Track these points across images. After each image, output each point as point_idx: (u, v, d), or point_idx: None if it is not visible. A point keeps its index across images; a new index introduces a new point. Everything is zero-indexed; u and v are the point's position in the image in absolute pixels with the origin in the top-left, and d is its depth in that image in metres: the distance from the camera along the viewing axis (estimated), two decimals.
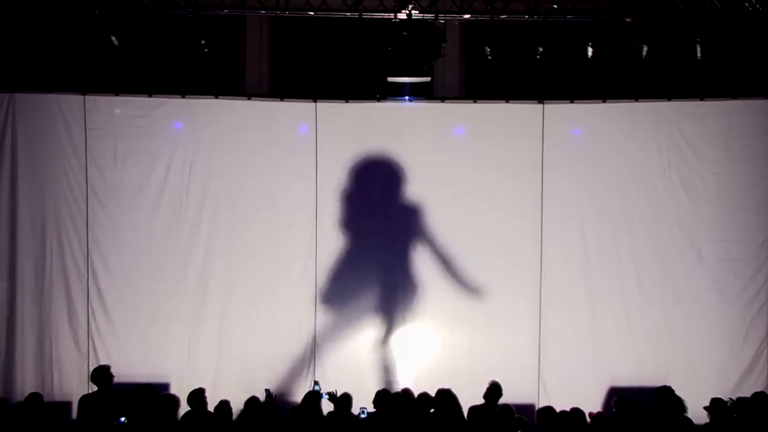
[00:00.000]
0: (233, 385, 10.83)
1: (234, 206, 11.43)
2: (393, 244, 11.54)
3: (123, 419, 9.07)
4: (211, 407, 9.23)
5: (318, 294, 11.46)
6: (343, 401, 9.37)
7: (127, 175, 11.33)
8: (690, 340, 11.36)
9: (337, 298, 11.50)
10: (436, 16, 10.68)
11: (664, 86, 11.87)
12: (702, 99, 11.42)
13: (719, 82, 11.62)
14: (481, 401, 9.64)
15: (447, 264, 11.49)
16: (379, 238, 11.52)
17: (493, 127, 11.55)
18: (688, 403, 9.20)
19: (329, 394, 9.57)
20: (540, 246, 11.45)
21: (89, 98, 11.26)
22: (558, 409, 9.03)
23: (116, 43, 10.89)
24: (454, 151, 11.58)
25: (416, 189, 11.55)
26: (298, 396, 10.76)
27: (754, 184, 11.39)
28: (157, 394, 9.35)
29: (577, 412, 9.11)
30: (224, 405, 9.07)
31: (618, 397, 9.40)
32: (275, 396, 9.69)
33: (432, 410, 9.35)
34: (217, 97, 11.44)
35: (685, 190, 11.43)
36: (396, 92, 11.43)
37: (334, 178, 11.50)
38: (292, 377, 11.33)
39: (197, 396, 9.17)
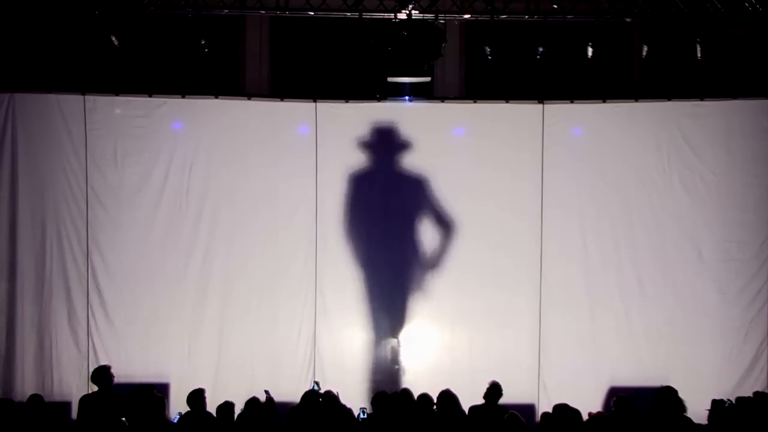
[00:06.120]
0: (233, 385, 10.79)
1: (234, 206, 11.43)
2: (393, 243, 11.54)
3: (123, 419, 9.06)
4: (210, 407, 9.20)
5: (318, 293, 11.45)
6: (328, 400, 9.30)
7: (127, 175, 11.34)
8: (690, 340, 11.36)
9: (337, 297, 11.50)
10: (436, 16, 10.68)
11: (664, 86, 11.87)
12: (702, 99, 11.42)
13: (719, 82, 11.63)
14: (481, 401, 9.64)
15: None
16: (379, 237, 11.53)
17: (493, 127, 11.55)
18: (689, 404, 9.18)
19: None
20: (540, 246, 11.45)
21: (89, 98, 11.26)
22: None
23: (116, 43, 10.89)
24: (455, 151, 11.58)
25: (416, 188, 11.54)
26: (297, 396, 10.73)
27: (754, 184, 11.39)
28: (156, 395, 9.32)
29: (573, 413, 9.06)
30: (227, 406, 9.00)
31: (618, 397, 9.36)
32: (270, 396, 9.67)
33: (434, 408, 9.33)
34: (217, 97, 11.45)
35: (685, 190, 11.43)
36: (396, 92, 11.43)
37: (334, 178, 11.50)
38: (291, 377, 11.31)
39: (196, 396, 9.14)
